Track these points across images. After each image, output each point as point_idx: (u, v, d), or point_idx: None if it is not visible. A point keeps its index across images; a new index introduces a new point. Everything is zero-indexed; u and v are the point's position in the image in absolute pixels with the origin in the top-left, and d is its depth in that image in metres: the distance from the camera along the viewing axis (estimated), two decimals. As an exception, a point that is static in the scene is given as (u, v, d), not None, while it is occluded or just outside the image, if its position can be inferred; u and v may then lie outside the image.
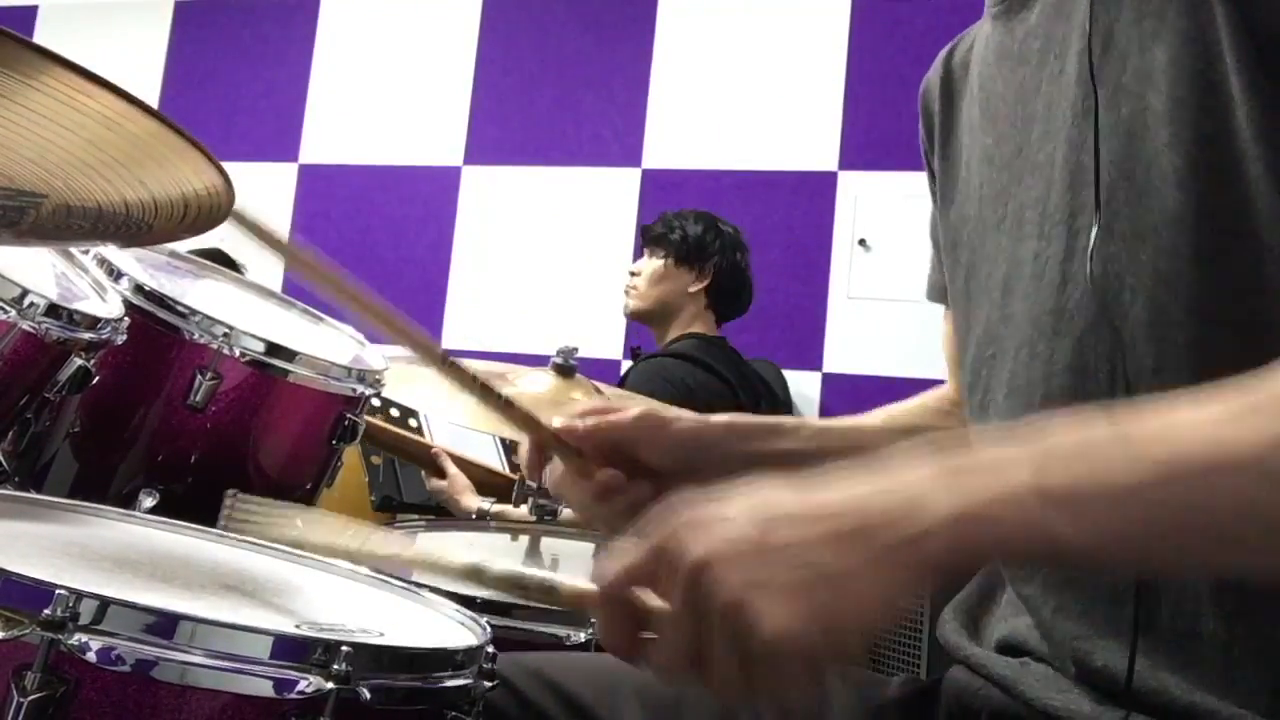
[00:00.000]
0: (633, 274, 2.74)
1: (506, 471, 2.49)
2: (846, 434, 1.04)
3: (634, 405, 0.99)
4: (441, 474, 2.23)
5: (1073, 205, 0.77)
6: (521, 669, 0.90)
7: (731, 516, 0.60)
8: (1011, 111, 0.87)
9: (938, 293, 1.13)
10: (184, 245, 1.42)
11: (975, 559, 0.58)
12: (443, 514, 2.23)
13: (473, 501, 2.18)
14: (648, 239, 2.76)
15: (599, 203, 3.77)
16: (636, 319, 2.79)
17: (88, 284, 1.29)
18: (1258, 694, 0.69)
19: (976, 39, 0.97)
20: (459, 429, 2.44)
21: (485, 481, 2.26)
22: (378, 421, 2.12)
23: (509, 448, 2.63)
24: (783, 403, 2.84)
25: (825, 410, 3.43)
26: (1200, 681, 0.70)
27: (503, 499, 2.15)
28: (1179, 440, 0.56)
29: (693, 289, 2.66)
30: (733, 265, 2.68)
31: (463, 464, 2.26)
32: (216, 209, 0.75)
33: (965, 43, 1.00)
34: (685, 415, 0.99)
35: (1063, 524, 0.55)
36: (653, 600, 0.62)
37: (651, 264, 2.70)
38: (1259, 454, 0.54)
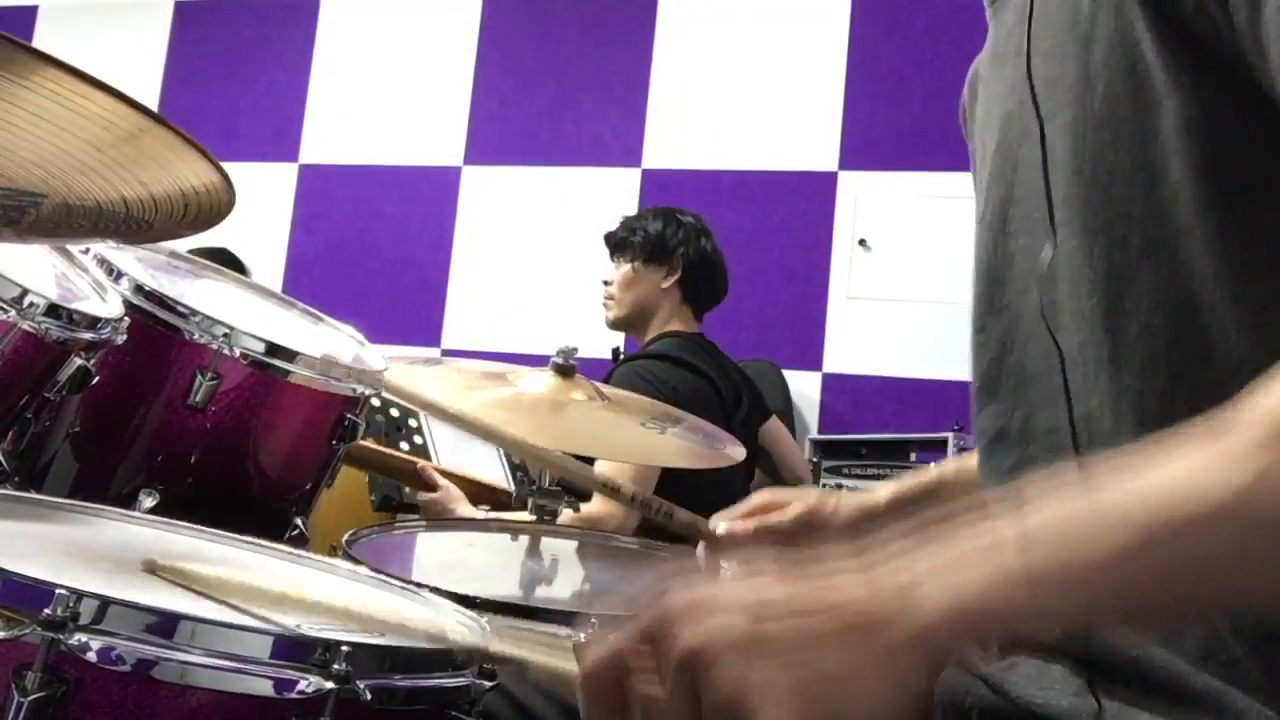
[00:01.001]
0: (606, 283, 2.73)
1: (504, 484, 2.47)
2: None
3: (791, 502, 1.00)
4: (430, 488, 2.21)
5: (1045, 206, 0.79)
6: (510, 704, 0.91)
7: (724, 603, 0.58)
8: (1002, 110, 0.89)
9: None
10: (189, 244, 1.42)
11: (977, 643, 0.58)
12: (442, 517, 2.23)
13: (466, 511, 2.17)
14: (611, 246, 2.74)
15: (599, 203, 3.77)
16: (618, 328, 2.77)
17: (88, 284, 1.29)
18: (1239, 665, 0.69)
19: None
20: (460, 442, 2.44)
21: (479, 495, 2.25)
22: (362, 443, 2.10)
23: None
24: (764, 399, 2.83)
25: (824, 409, 3.43)
26: (1181, 651, 0.70)
27: (498, 508, 2.14)
28: (1155, 500, 0.56)
29: (665, 285, 2.65)
30: (700, 253, 2.66)
31: (453, 478, 2.25)
32: (216, 207, 0.75)
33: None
34: (844, 503, 1.01)
35: (1057, 603, 0.56)
36: (640, 685, 0.60)
37: (620, 270, 2.69)
38: (1235, 501, 0.55)
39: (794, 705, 0.55)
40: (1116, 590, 0.56)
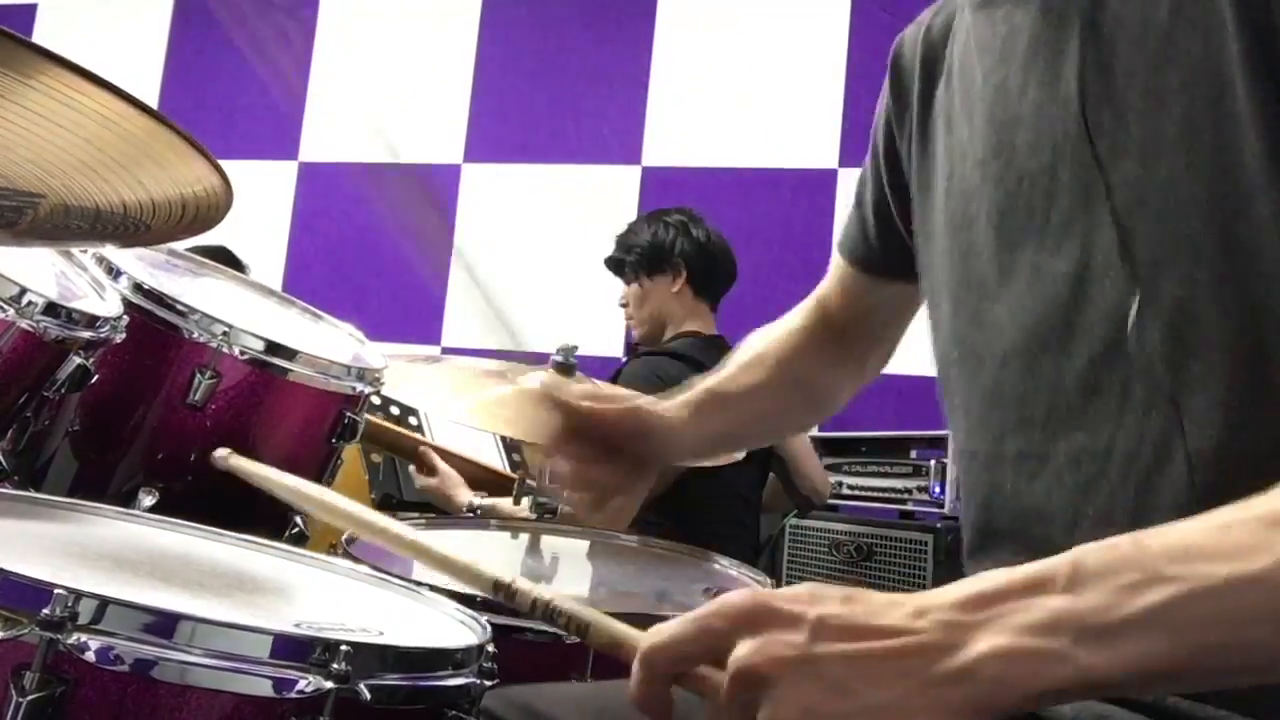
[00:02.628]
0: (623, 305, 2.74)
1: (504, 469, 2.49)
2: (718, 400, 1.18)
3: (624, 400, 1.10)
4: (431, 471, 2.22)
5: (1085, 224, 0.76)
6: (510, 704, 0.90)
7: (785, 617, 0.60)
8: (990, 110, 0.84)
9: (846, 248, 1.18)
10: (188, 242, 1.42)
11: (1021, 700, 0.57)
12: (442, 512, 2.23)
13: (465, 496, 2.17)
14: (613, 270, 2.75)
15: (599, 200, 3.77)
16: (648, 344, 2.77)
17: (86, 282, 1.29)
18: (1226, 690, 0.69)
19: (957, 23, 0.94)
20: (458, 427, 2.44)
21: (478, 478, 2.26)
22: (369, 416, 2.12)
23: (509, 446, 2.63)
24: None
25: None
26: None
27: (494, 493, 2.15)
28: (1201, 559, 0.55)
29: (675, 288, 2.65)
30: (697, 246, 2.65)
31: (454, 460, 2.26)
32: (214, 209, 0.74)
33: (942, 16, 0.98)
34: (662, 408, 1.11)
35: (1093, 656, 0.55)
36: (696, 678, 0.62)
37: (630, 289, 2.70)
38: (1276, 568, 0.54)
39: None
40: (1158, 645, 0.55)
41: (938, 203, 0.91)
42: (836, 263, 1.22)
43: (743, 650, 0.59)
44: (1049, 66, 0.79)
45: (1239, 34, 0.67)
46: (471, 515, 2.09)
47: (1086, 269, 0.75)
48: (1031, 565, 0.59)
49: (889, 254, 1.11)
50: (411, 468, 2.28)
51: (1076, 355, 0.76)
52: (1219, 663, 0.56)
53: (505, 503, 1.99)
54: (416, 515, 2.15)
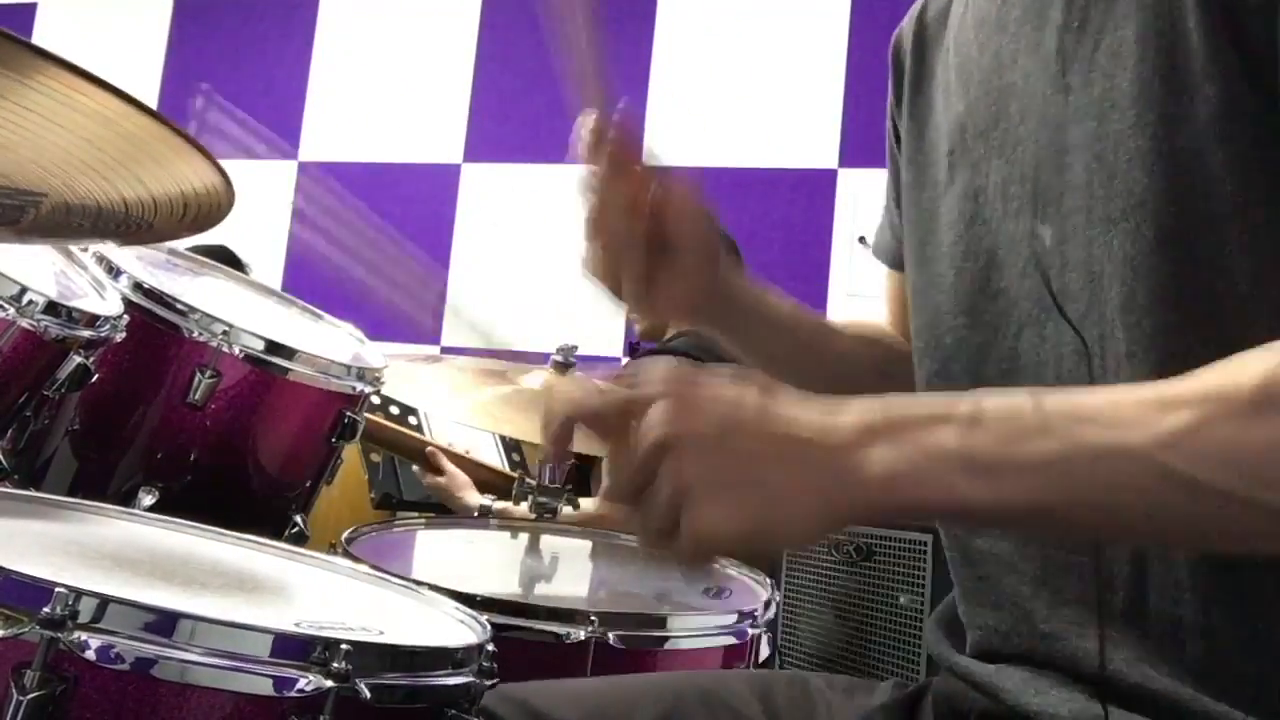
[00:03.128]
0: None
1: (505, 469, 2.49)
2: (815, 329, 1.18)
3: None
4: (439, 471, 2.22)
5: (1061, 186, 0.77)
6: (506, 701, 0.90)
7: (703, 406, 0.64)
8: (986, 80, 0.85)
9: (885, 254, 1.15)
10: (188, 241, 1.43)
11: (897, 511, 0.64)
12: (442, 511, 2.23)
13: (473, 498, 2.18)
14: None
15: (599, 200, 3.77)
16: (649, 337, 2.76)
17: (87, 282, 1.29)
18: (1240, 686, 0.69)
19: (955, 2, 0.95)
20: (458, 426, 2.44)
21: (482, 479, 2.26)
22: (375, 418, 2.12)
23: (509, 446, 2.63)
24: None
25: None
26: (1181, 673, 0.70)
27: (502, 496, 2.15)
28: (1089, 423, 0.60)
29: None
30: None
31: (460, 461, 2.26)
32: (216, 207, 0.75)
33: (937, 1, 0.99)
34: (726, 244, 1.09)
35: (976, 490, 0.60)
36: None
37: None
38: (1153, 447, 0.58)
39: (730, 510, 0.63)
40: (1032, 492, 0.60)
41: (939, 175, 0.91)
42: (883, 277, 1.21)
43: (660, 428, 0.63)
44: (1035, 31, 0.81)
45: None
46: (474, 515, 2.09)
47: (1066, 234, 0.77)
48: (939, 398, 0.64)
49: None
50: (415, 468, 2.28)
51: (1070, 317, 0.77)
52: (1085, 519, 0.61)
53: (518, 509, 1.99)
54: (416, 515, 2.16)
